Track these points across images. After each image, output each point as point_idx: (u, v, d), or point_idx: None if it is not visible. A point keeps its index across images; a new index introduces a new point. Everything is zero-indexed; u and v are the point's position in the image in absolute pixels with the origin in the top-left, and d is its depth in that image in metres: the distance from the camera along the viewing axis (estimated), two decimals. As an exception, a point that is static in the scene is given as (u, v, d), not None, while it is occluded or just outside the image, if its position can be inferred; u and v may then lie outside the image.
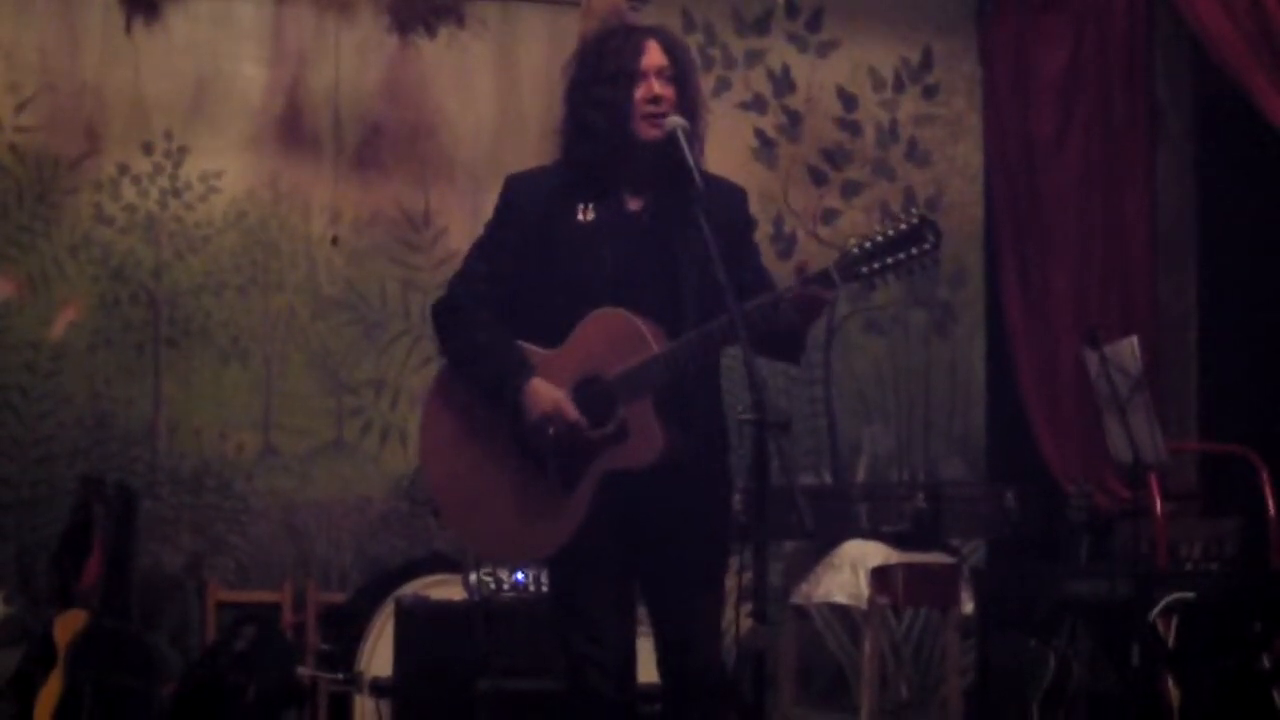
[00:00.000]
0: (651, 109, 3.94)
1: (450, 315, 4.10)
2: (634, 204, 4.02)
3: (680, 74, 3.99)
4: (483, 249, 4.12)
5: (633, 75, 3.94)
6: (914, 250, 3.78)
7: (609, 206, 4.01)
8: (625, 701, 3.96)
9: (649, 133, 3.95)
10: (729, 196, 4.08)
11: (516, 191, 4.09)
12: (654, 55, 3.96)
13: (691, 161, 3.87)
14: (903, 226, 3.80)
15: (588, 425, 3.89)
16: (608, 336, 3.91)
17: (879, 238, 3.80)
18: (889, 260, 3.79)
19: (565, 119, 4.05)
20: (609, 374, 3.89)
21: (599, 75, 3.97)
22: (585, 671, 3.94)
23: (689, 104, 3.99)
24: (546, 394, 3.91)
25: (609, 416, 3.89)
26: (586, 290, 3.94)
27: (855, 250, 3.81)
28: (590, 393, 3.91)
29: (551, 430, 3.90)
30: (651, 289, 3.94)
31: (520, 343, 4.00)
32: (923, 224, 3.80)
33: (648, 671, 4.04)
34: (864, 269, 3.80)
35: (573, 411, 3.90)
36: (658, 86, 3.94)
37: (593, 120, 3.96)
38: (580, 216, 4.00)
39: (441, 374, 4.16)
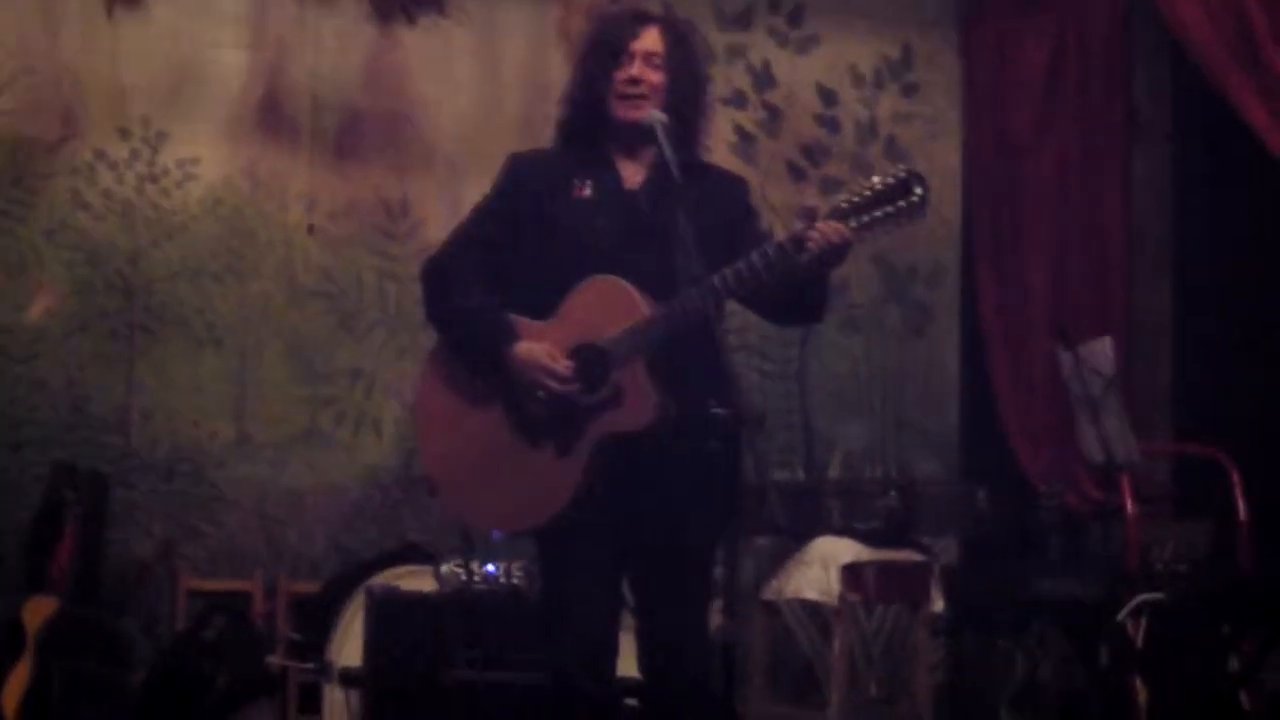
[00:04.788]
0: (629, 90, 4.00)
1: (440, 278, 4.13)
2: (631, 182, 4.07)
3: (677, 63, 4.04)
4: (480, 215, 4.16)
5: (618, 54, 4.01)
6: (902, 203, 3.84)
7: (606, 183, 4.06)
8: (605, 694, 3.97)
9: (626, 113, 4.01)
10: (728, 187, 4.16)
11: (518, 168, 4.15)
12: (648, 40, 4.03)
13: (670, 155, 3.91)
14: (890, 179, 3.85)
15: (576, 379, 3.91)
16: (601, 303, 3.94)
17: (868, 191, 3.86)
18: (878, 213, 3.84)
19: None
20: (602, 339, 3.91)
21: (588, 51, 4.07)
22: (565, 663, 3.95)
23: (683, 93, 4.04)
24: (533, 351, 3.94)
25: (603, 381, 3.91)
26: (581, 263, 3.97)
27: (845, 204, 3.86)
28: (584, 358, 3.93)
29: (542, 393, 3.92)
30: (646, 263, 3.96)
31: (513, 315, 4.02)
32: (910, 176, 3.85)
33: (631, 665, 4.04)
34: (853, 222, 3.84)
35: (561, 364, 3.91)
36: (640, 70, 3.99)
37: (571, 92, 4.08)
38: (577, 192, 4.04)
39: (436, 348, 4.16)
